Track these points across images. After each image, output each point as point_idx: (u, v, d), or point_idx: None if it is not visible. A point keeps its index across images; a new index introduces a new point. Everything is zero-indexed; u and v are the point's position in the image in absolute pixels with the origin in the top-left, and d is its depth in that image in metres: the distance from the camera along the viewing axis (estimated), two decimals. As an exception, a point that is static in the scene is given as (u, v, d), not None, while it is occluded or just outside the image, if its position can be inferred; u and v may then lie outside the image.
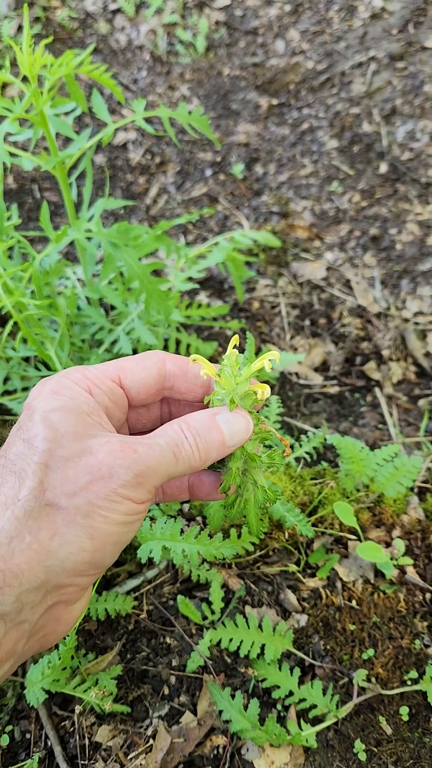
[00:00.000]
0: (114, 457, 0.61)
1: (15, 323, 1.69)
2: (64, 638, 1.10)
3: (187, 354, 2.05)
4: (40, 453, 0.61)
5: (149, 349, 1.90)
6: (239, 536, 1.29)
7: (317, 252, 2.75)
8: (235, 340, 0.77)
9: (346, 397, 2.25)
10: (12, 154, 1.62)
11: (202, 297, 2.53)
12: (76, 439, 0.62)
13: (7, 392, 1.82)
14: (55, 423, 0.63)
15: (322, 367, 2.36)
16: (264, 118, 3.28)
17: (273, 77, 3.39)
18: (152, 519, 1.27)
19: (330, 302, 2.54)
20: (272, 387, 2.26)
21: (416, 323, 2.46)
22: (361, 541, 1.43)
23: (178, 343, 2.15)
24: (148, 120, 3.28)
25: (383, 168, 2.96)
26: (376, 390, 2.25)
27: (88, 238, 1.68)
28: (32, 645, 0.61)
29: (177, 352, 2.14)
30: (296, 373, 2.33)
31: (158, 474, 0.64)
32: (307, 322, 2.47)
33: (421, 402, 2.20)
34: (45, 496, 0.59)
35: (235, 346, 0.78)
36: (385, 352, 2.34)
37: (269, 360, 0.74)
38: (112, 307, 2.24)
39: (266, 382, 2.26)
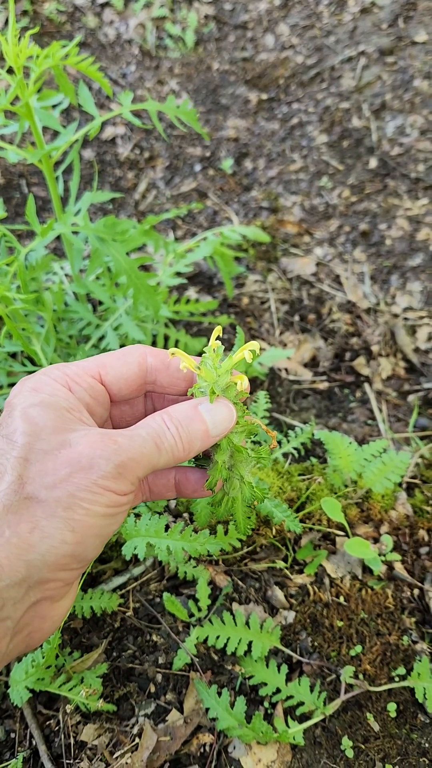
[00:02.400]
0: (94, 448, 0.60)
1: (0, 318, 1.67)
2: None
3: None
4: (20, 447, 0.59)
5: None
6: (226, 533, 1.28)
7: (307, 247, 2.73)
8: (217, 331, 0.76)
9: (336, 393, 2.24)
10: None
11: (191, 293, 2.52)
12: (56, 433, 0.61)
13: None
14: (34, 418, 0.62)
15: (312, 363, 2.35)
16: (253, 112, 3.26)
17: (263, 72, 3.37)
18: (137, 516, 1.25)
19: (319, 298, 2.53)
20: (261, 383, 2.25)
21: (406, 319, 2.45)
22: (348, 537, 1.43)
23: (166, 338, 2.14)
24: (137, 114, 3.26)
25: (373, 163, 2.95)
26: (366, 386, 2.24)
27: (75, 233, 1.66)
28: (17, 644, 0.60)
29: (165, 347, 2.13)
30: (285, 369, 2.32)
31: (140, 465, 0.63)
32: (296, 318, 2.46)
33: (411, 398, 2.19)
34: (24, 490, 0.57)
35: (218, 338, 0.76)
36: (375, 348, 2.34)
37: (250, 351, 0.73)
38: (100, 303, 2.23)
39: (255, 378, 2.25)
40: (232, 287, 2.54)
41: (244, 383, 0.73)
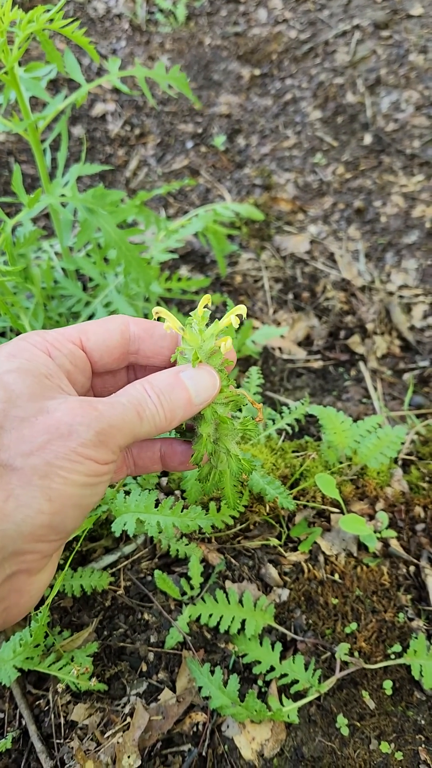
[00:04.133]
0: (73, 415, 0.57)
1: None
2: (36, 613, 1.06)
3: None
4: None
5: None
6: (218, 510, 1.26)
7: (300, 225, 2.69)
8: (206, 299, 0.73)
9: (330, 372, 2.21)
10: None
11: (184, 271, 2.48)
12: (33, 400, 0.58)
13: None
14: (9, 384, 0.58)
15: (306, 342, 2.32)
16: (246, 88, 3.21)
17: (255, 47, 3.31)
18: (127, 492, 1.23)
19: (314, 276, 2.50)
20: (254, 362, 2.22)
21: (401, 296, 2.42)
22: (343, 514, 1.40)
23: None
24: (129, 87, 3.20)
25: (367, 139, 2.91)
26: (360, 364, 2.22)
27: (63, 204, 1.62)
28: None
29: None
30: (279, 348, 2.29)
31: (122, 433, 0.60)
32: (290, 296, 2.43)
33: (406, 376, 2.17)
34: None
35: (206, 306, 0.73)
36: (370, 326, 2.31)
37: (237, 315, 0.70)
38: (90, 280, 2.19)
39: (248, 356, 2.22)
40: (225, 265, 2.50)
41: (227, 344, 0.70)
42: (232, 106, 3.13)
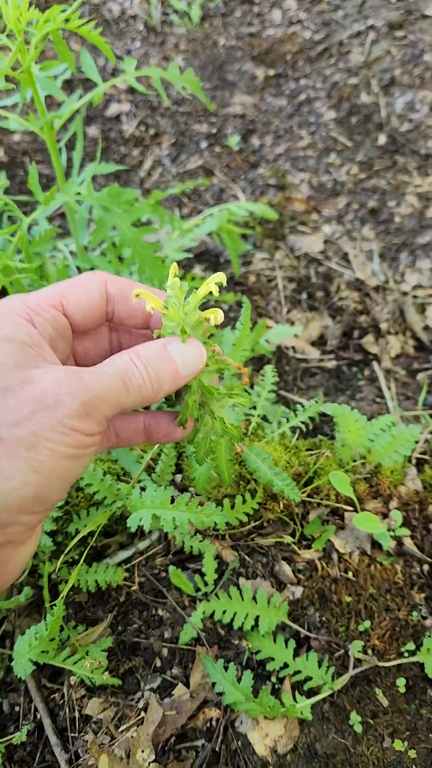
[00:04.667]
0: (59, 385, 0.56)
1: (4, 291, 1.65)
2: (52, 607, 1.07)
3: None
4: None
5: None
6: (233, 507, 1.26)
7: (315, 225, 2.69)
8: (173, 268, 0.73)
9: (344, 371, 2.21)
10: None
11: (197, 270, 2.48)
12: (17, 369, 0.57)
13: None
14: None
15: (319, 341, 2.32)
16: (260, 89, 3.21)
17: (270, 48, 3.32)
18: (143, 489, 1.23)
19: (328, 276, 2.49)
20: (268, 361, 2.22)
21: (415, 297, 2.42)
22: (357, 512, 1.40)
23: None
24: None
25: (382, 139, 2.90)
26: (374, 364, 2.21)
27: (79, 202, 1.63)
28: None
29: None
30: (293, 347, 2.29)
31: (108, 403, 0.59)
32: (304, 296, 2.43)
33: (420, 376, 2.16)
34: None
35: (176, 275, 0.73)
36: (384, 326, 2.30)
37: (216, 282, 0.70)
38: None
39: (262, 356, 2.22)
40: (239, 265, 2.50)
41: (218, 316, 0.70)
42: (247, 107, 3.14)
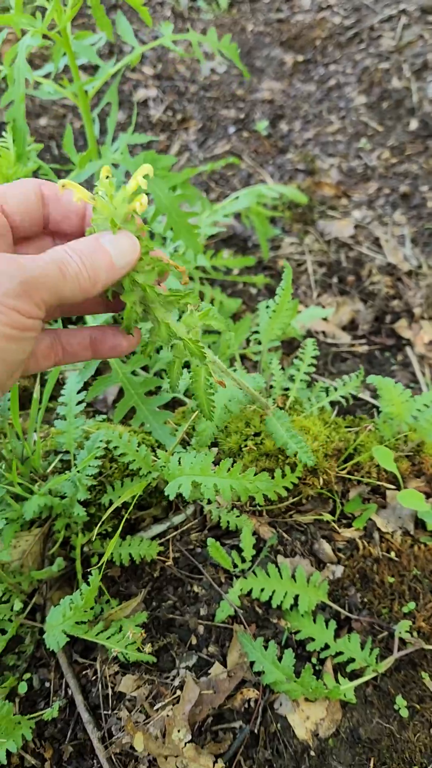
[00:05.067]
0: None
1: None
2: (84, 578, 1.02)
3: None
4: None
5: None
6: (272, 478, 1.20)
7: (345, 210, 2.64)
8: (105, 170, 0.71)
9: (376, 356, 2.15)
10: (35, 83, 1.53)
11: (226, 255, 2.43)
12: None
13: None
14: None
15: (350, 326, 2.27)
16: (289, 74, 3.16)
17: (298, 33, 3.27)
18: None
19: (358, 260, 2.44)
20: (298, 345, 2.16)
21: (449, 282, 2.35)
22: (400, 490, 1.34)
23: (201, 296, 2.06)
24: (169, 76, 3.17)
25: (413, 124, 2.84)
26: (407, 349, 2.15)
27: (115, 165, 1.58)
28: None
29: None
30: (323, 332, 2.23)
31: (46, 287, 0.59)
32: (334, 280, 2.37)
33: (455, 361, 2.10)
34: None
35: (107, 177, 0.70)
36: (417, 311, 2.24)
37: (143, 176, 0.68)
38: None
39: (292, 339, 2.17)
40: (268, 249, 2.45)
41: (143, 202, 0.67)
42: (275, 92, 3.09)
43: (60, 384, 1.68)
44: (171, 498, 1.04)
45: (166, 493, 1.05)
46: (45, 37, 1.32)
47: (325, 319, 2.27)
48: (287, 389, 1.38)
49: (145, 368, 1.76)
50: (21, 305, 0.57)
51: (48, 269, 0.60)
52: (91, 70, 3.06)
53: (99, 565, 1.01)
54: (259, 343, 1.33)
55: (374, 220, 2.58)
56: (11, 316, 0.56)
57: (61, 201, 0.72)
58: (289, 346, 2.13)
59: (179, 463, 1.06)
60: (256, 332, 1.33)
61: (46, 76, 2.68)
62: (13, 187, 0.69)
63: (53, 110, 2.91)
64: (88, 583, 0.99)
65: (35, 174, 2.02)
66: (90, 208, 0.73)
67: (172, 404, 1.65)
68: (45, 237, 0.76)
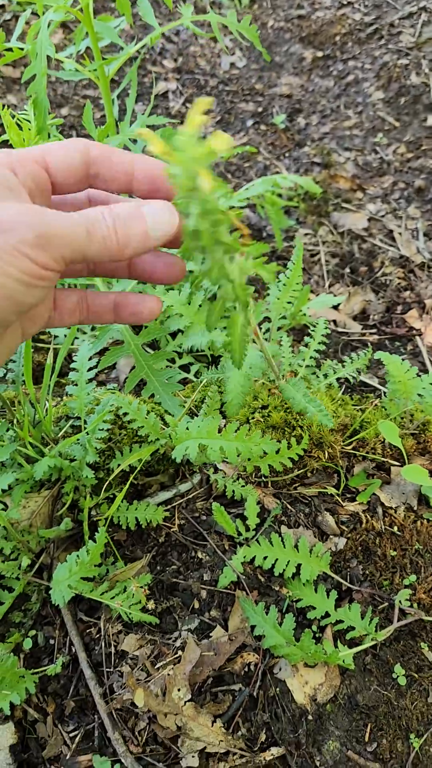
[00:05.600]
0: (20, 214, 0.57)
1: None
2: (93, 539, 1.05)
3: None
4: None
5: (190, 272, 1.84)
6: (278, 452, 1.22)
7: (359, 203, 2.65)
8: (204, 104, 0.70)
9: (386, 346, 2.16)
10: (57, 62, 1.56)
11: (240, 243, 2.45)
12: None
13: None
14: None
15: (362, 316, 2.28)
16: (308, 70, 3.19)
17: (318, 29, 3.29)
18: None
19: (371, 252, 2.45)
20: (308, 333, 2.18)
21: (461, 275, 2.36)
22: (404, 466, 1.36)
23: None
24: (189, 69, 3.20)
25: (431, 120, 2.85)
26: (418, 339, 2.16)
27: (134, 141, 1.61)
28: None
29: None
30: (334, 321, 2.25)
31: (65, 242, 0.59)
32: (347, 271, 2.39)
33: (465, 352, 2.11)
34: None
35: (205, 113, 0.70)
36: (428, 302, 2.25)
37: (224, 140, 0.67)
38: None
39: (304, 326, 2.18)
40: (282, 239, 2.46)
41: (226, 142, 0.67)
42: (294, 87, 3.11)
43: (71, 359, 1.71)
44: (178, 461, 1.06)
45: (173, 457, 1.08)
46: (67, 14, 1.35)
47: (336, 309, 2.29)
48: (298, 365, 1.40)
49: (152, 345, 1.78)
50: (35, 255, 0.58)
51: (74, 228, 0.61)
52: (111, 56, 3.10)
53: (105, 517, 1.04)
54: (269, 320, 1.35)
55: (388, 213, 2.60)
56: (25, 263, 0.57)
57: (111, 160, 0.72)
58: (300, 333, 2.15)
59: (187, 428, 1.09)
60: (267, 318, 1.35)
61: (68, 57, 2.73)
62: (60, 146, 0.70)
63: (74, 100, 2.95)
64: (95, 542, 1.02)
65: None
66: (139, 170, 0.72)
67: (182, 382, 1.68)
68: (85, 200, 0.77)
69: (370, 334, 2.20)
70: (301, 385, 1.17)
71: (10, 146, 1.99)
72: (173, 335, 1.80)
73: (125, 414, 1.20)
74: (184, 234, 0.71)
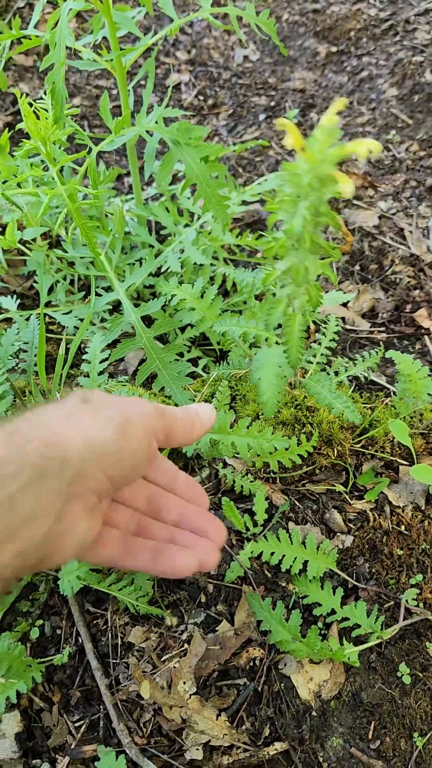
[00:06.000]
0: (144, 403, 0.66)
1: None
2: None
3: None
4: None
5: (200, 266, 1.84)
6: (287, 448, 1.22)
7: (370, 200, 2.64)
8: (340, 104, 0.69)
9: (394, 344, 2.16)
10: (75, 51, 1.55)
11: (250, 239, 2.45)
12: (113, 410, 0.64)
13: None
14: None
15: (370, 314, 2.28)
16: (322, 65, 3.17)
17: (333, 24, 3.27)
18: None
19: (381, 250, 2.44)
20: (317, 328, 2.18)
21: (472, 275, 2.35)
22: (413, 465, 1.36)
23: (224, 279, 2.08)
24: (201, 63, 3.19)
25: (444, 119, 2.84)
26: (426, 338, 2.16)
27: (150, 133, 1.60)
28: (30, 556, 0.53)
29: (223, 286, 2.08)
30: (343, 318, 2.25)
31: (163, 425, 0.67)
32: (356, 268, 2.38)
33: (474, 352, 2.10)
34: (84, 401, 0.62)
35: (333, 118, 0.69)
36: (438, 302, 2.25)
37: (368, 148, 0.66)
38: (158, 233, 2.19)
39: (314, 323, 2.18)
40: (292, 234, 2.46)
41: (348, 188, 0.67)
42: (307, 82, 3.10)
43: (82, 351, 1.71)
44: (189, 455, 1.06)
45: (183, 451, 1.08)
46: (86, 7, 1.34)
47: (345, 306, 2.29)
48: (308, 362, 1.40)
49: (161, 339, 1.78)
50: (156, 423, 0.65)
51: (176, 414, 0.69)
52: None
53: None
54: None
55: (399, 211, 2.59)
56: (152, 424, 0.63)
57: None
58: (307, 330, 2.15)
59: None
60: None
61: (85, 46, 2.71)
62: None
63: (87, 90, 2.94)
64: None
65: (71, 138, 2.05)
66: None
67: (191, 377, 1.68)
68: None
69: (379, 332, 2.19)
70: (326, 381, 1.17)
71: (27, 135, 1.99)
72: (182, 329, 1.79)
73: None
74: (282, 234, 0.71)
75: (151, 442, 0.62)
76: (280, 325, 1.04)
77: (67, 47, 1.40)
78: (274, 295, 0.79)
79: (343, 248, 0.80)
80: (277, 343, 1.10)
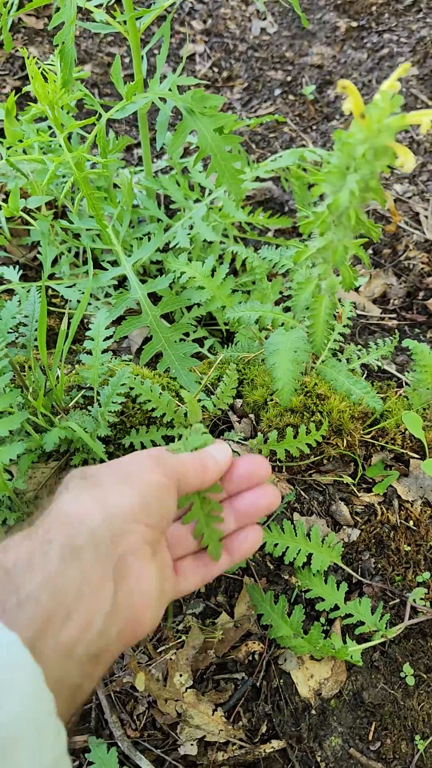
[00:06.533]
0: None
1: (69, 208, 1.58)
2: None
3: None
4: None
5: (209, 243, 1.78)
6: (296, 436, 1.17)
7: (386, 183, 2.57)
8: (403, 70, 0.64)
9: (405, 332, 2.10)
10: (87, 11, 1.48)
11: (260, 217, 2.38)
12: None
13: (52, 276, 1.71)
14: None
15: (382, 300, 2.22)
16: (341, 40, 3.07)
17: (355, -2, 3.17)
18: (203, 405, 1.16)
19: (395, 234, 2.38)
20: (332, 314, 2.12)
21: None
22: (425, 459, 1.31)
23: (233, 257, 2.02)
24: (218, 34, 3.09)
25: (465, 101, 2.75)
26: (438, 327, 2.10)
27: (163, 100, 1.53)
28: (106, 631, 0.54)
29: (232, 265, 2.02)
30: (353, 303, 2.19)
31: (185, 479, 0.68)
32: (369, 252, 2.32)
33: None
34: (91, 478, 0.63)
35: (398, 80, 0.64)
36: (452, 289, 2.19)
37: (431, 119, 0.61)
38: (167, 207, 2.12)
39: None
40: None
41: (408, 162, 0.62)
42: (325, 57, 3.01)
43: (84, 327, 1.65)
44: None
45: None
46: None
47: (356, 291, 2.23)
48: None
49: (167, 317, 1.73)
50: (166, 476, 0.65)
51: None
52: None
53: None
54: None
55: (415, 195, 2.52)
56: (162, 474, 0.64)
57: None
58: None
59: (204, 407, 1.04)
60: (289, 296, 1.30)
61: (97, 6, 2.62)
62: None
63: (99, 57, 2.86)
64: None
65: (80, 105, 1.98)
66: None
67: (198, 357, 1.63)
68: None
69: (389, 318, 2.14)
70: (342, 366, 1.12)
71: (34, 99, 1.92)
72: (188, 308, 1.74)
73: (139, 394, 1.15)
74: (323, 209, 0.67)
75: (161, 478, 0.63)
76: (288, 309, 0.99)
77: (78, 7, 1.33)
78: (285, 275, 0.75)
79: (389, 228, 0.75)
80: (292, 327, 1.05)
